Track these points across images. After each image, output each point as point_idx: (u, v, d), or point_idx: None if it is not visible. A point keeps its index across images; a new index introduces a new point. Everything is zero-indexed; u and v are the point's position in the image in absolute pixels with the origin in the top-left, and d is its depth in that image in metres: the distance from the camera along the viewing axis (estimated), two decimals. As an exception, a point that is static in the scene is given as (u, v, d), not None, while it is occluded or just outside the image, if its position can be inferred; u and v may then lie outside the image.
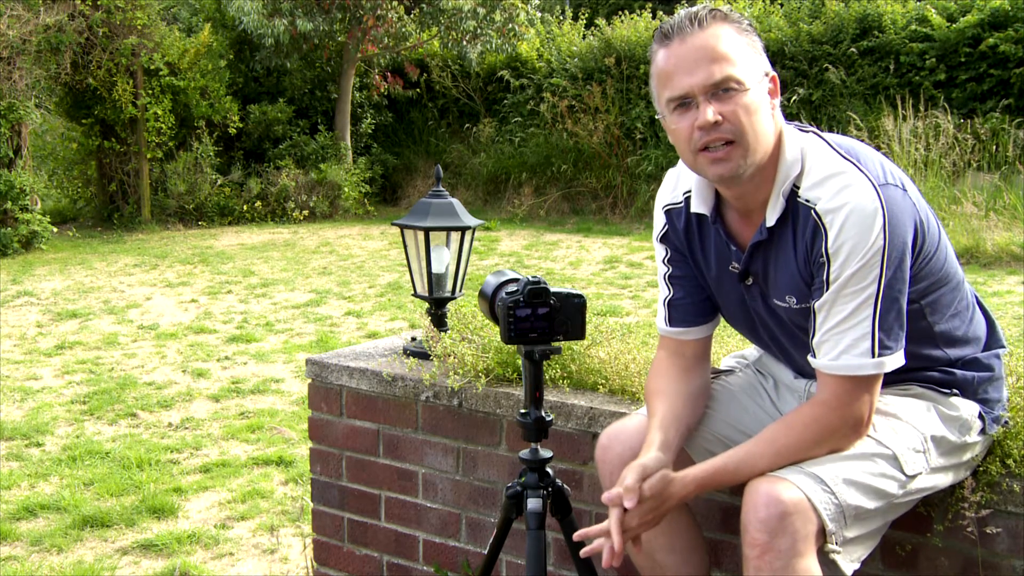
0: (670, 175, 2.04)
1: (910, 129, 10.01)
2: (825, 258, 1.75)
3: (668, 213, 2.02)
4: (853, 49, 11.50)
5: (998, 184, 9.58)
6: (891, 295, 1.75)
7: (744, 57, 1.77)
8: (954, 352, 1.93)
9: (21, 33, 10.73)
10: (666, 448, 1.90)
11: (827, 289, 1.76)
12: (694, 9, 1.79)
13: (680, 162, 2.02)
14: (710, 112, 1.74)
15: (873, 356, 1.75)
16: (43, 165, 13.39)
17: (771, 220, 1.82)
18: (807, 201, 1.78)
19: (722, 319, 2.14)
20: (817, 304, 1.78)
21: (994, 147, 10.11)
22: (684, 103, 1.78)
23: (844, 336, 1.76)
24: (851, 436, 1.81)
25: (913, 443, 1.85)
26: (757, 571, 1.72)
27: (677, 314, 2.05)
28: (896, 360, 1.78)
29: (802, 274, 1.82)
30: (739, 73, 1.75)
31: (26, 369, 6.14)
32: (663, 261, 2.06)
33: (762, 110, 1.78)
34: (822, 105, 11.42)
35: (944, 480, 1.91)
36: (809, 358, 1.82)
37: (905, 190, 1.81)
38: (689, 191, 1.97)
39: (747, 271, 1.91)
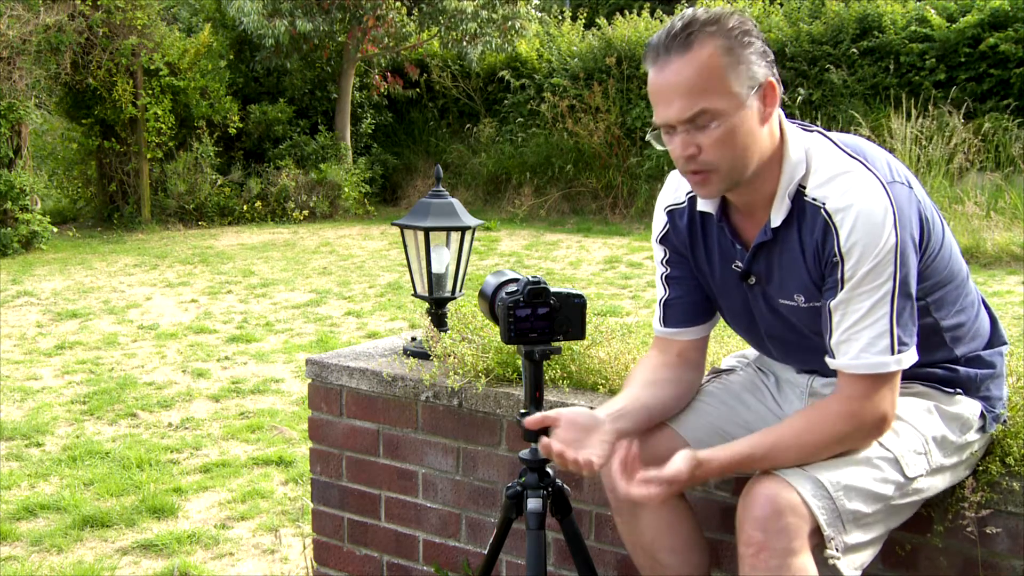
0: (672, 176, 2.04)
1: (914, 128, 10.02)
2: (838, 257, 1.75)
3: (670, 213, 2.02)
4: (853, 49, 11.51)
5: (999, 184, 9.58)
6: (905, 291, 1.76)
7: (724, 82, 1.72)
8: (959, 348, 1.93)
9: (21, 33, 10.73)
10: (617, 418, 1.92)
11: (842, 288, 1.76)
12: (679, 23, 1.74)
13: None
14: (682, 147, 1.76)
15: (893, 353, 1.76)
16: (43, 165, 13.40)
17: (776, 221, 1.82)
18: (815, 200, 1.78)
19: (721, 320, 2.14)
20: (832, 304, 1.78)
21: (995, 147, 10.12)
22: (667, 129, 1.79)
23: (862, 335, 1.76)
24: (873, 433, 1.81)
25: (914, 445, 1.85)
26: (752, 569, 1.72)
27: (673, 314, 2.06)
28: (912, 356, 1.79)
29: (811, 273, 1.82)
30: (715, 103, 1.72)
31: (26, 369, 6.14)
32: (661, 262, 2.07)
33: (744, 131, 1.75)
34: (822, 105, 11.42)
35: (944, 481, 1.92)
36: (827, 359, 1.82)
37: (911, 188, 1.82)
38: (692, 191, 1.97)
39: (749, 271, 1.91)
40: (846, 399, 1.79)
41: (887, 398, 1.78)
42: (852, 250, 1.73)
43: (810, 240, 1.80)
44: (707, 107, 1.72)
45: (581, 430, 1.88)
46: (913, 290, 1.78)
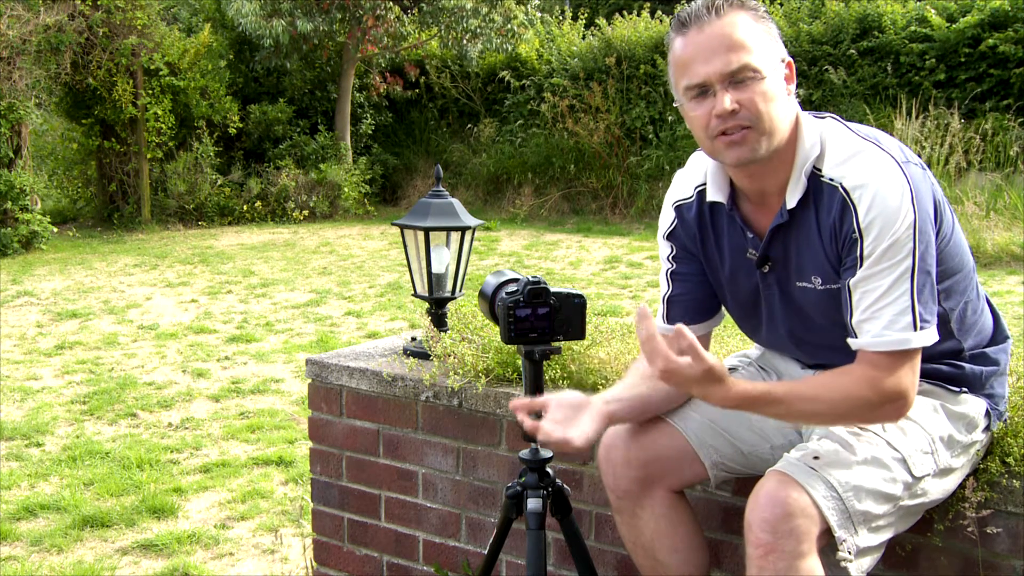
0: (679, 175, 2.05)
1: (916, 128, 10.02)
2: (858, 234, 1.75)
3: (678, 209, 2.02)
4: (853, 50, 11.51)
5: (999, 184, 9.58)
6: (924, 268, 1.76)
7: (761, 44, 1.78)
8: (967, 341, 1.93)
9: (21, 33, 10.73)
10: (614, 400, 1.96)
11: (861, 265, 1.76)
12: None
13: (688, 162, 2.03)
14: (727, 100, 1.76)
15: (916, 329, 1.75)
16: (43, 165, 13.40)
17: (792, 202, 1.82)
18: (831, 180, 1.79)
19: (726, 318, 2.14)
20: (852, 282, 1.78)
21: (995, 147, 10.12)
22: (702, 91, 1.79)
23: (884, 312, 1.75)
24: (889, 408, 1.79)
25: (921, 444, 1.85)
26: (760, 571, 1.72)
27: (675, 311, 2.06)
28: (933, 334, 1.78)
29: (828, 253, 1.82)
30: (756, 61, 1.76)
31: (26, 369, 6.14)
32: (667, 258, 2.06)
33: (779, 96, 1.79)
34: (822, 105, 11.42)
35: (952, 483, 1.92)
36: (849, 340, 1.81)
37: (925, 170, 1.83)
38: (700, 185, 1.97)
39: (766, 256, 1.90)
40: (870, 368, 1.78)
41: (908, 375, 1.77)
42: (871, 226, 1.73)
43: (827, 220, 1.80)
44: (749, 62, 1.76)
45: (570, 409, 1.91)
46: (932, 268, 1.77)
